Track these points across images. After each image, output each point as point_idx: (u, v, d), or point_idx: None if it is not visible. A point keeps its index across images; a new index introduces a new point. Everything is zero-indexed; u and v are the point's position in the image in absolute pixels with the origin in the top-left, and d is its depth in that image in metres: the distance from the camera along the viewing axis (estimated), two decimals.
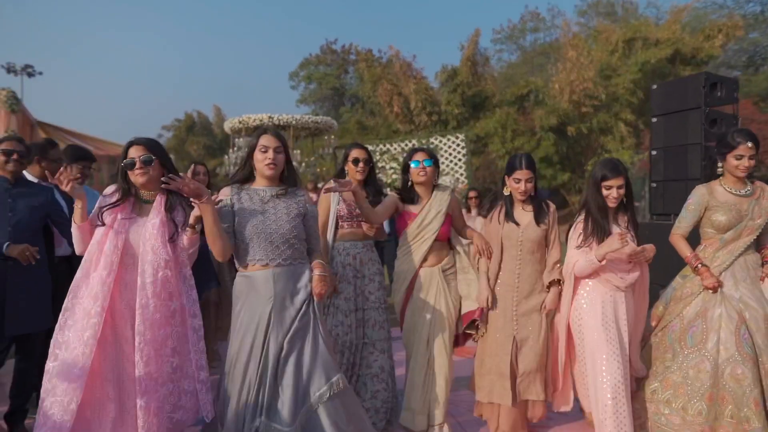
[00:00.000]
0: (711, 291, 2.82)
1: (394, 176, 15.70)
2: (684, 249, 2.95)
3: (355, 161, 3.18)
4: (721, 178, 2.93)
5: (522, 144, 19.85)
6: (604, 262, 2.69)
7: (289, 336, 2.33)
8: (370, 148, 13.37)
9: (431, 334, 2.99)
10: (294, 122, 16.44)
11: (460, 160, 14.62)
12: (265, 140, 2.43)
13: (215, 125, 34.40)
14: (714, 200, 2.87)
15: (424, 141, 15.27)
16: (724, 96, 4.65)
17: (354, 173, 3.18)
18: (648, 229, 4.99)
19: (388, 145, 16.11)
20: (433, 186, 3.13)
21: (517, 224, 2.95)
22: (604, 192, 2.81)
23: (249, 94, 72.35)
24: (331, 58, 34.67)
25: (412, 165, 3.07)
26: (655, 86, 5.17)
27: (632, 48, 19.86)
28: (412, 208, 3.09)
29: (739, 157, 2.80)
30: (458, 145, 14.79)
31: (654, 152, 5.05)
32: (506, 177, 2.97)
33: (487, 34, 37.25)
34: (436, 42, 65.67)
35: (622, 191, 2.76)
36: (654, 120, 5.06)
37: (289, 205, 2.45)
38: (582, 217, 2.88)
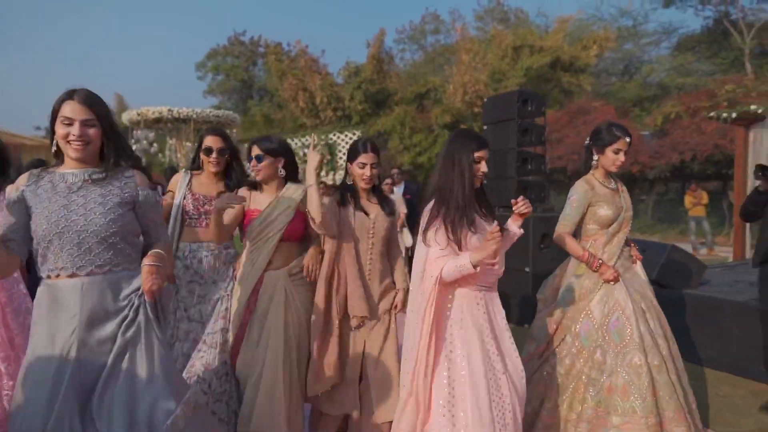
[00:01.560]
0: (612, 284, 2.72)
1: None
2: (576, 247, 2.78)
3: (208, 151, 2.88)
4: (593, 172, 2.87)
5: (419, 140, 21.04)
6: (479, 269, 2.12)
7: (110, 361, 1.77)
8: None
9: (274, 348, 2.54)
10: (195, 116, 16.46)
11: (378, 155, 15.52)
12: (69, 110, 1.80)
13: (117, 115, 33.03)
14: (596, 195, 2.79)
15: (323, 137, 15.91)
16: (534, 110, 5.70)
17: (207, 164, 2.91)
18: None
19: (289, 140, 16.59)
20: (284, 180, 2.76)
21: (367, 214, 2.67)
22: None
23: (153, 84, 69.37)
24: (239, 50, 34.34)
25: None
26: (485, 99, 6.15)
27: (520, 54, 21.56)
28: (259, 204, 2.72)
29: (617, 151, 2.76)
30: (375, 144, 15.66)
31: None
32: (349, 164, 2.69)
33: (391, 33, 38.49)
34: (344, 38, 66.46)
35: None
36: (485, 127, 6.05)
37: (106, 192, 1.86)
38: (435, 206, 2.26)
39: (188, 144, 16.99)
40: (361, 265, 2.66)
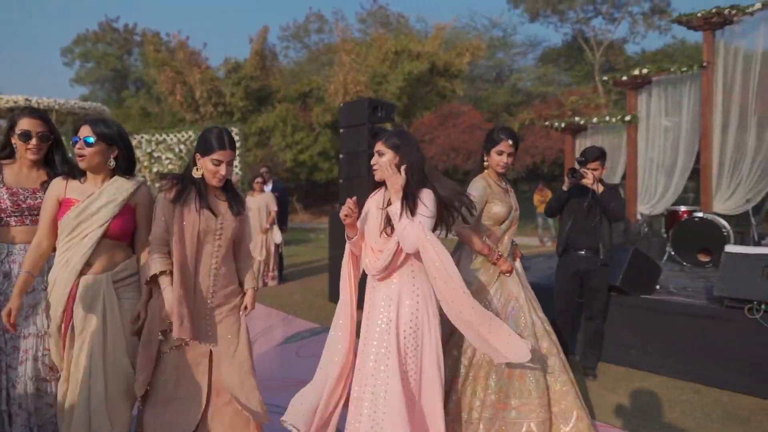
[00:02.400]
0: (507, 276, 2.87)
1: (170, 167, 15.89)
2: (478, 241, 2.86)
3: (25, 136, 2.45)
4: (487, 171, 2.98)
5: (301, 138, 21.34)
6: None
7: None
8: (145, 137, 13.40)
9: (91, 367, 2.23)
10: (57, 107, 15.47)
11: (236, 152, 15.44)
12: None
13: None
14: (492, 192, 2.90)
15: (199, 133, 15.66)
16: (384, 116, 6.32)
17: (25, 151, 2.49)
18: (338, 216, 6.53)
19: (164, 135, 16.12)
20: (113, 173, 2.40)
21: (215, 214, 2.41)
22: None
23: (8, 69, 62.70)
24: (111, 37, 32.30)
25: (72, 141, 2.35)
26: (342, 105, 6.68)
27: (400, 59, 22.59)
28: (75, 193, 2.35)
29: (500, 153, 2.88)
30: (233, 138, 15.57)
31: (342, 156, 6.57)
32: (198, 156, 2.37)
33: (275, 31, 38.27)
34: (227, 33, 64.55)
35: None
36: (342, 131, 6.58)
37: None
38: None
39: None
40: (198, 273, 2.37)
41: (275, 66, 25.14)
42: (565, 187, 3.72)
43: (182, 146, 15.77)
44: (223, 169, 2.36)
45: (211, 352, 2.38)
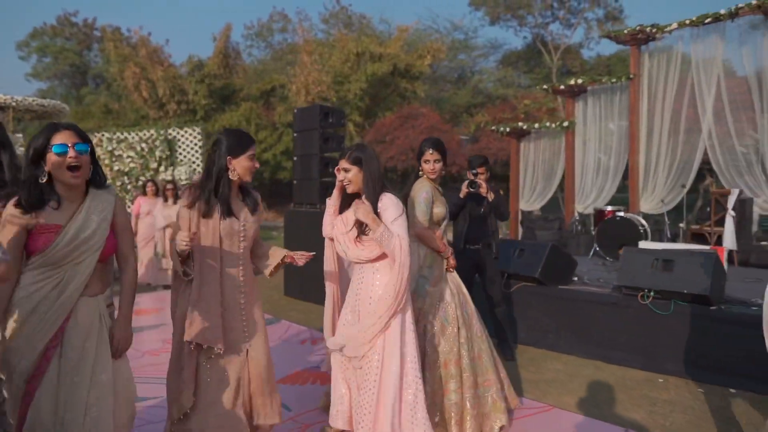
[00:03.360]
0: (452, 270, 3.19)
1: (131, 165, 15.94)
2: (435, 239, 3.08)
3: None
4: (423, 178, 3.22)
5: (265, 137, 21.54)
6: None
7: None
8: (106, 135, 13.43)
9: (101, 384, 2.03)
10: (14, 104, 15.33)
11: (197, 152, 15.53)
12: None
13: None
14: (435, 194, 3.16)
15: (162, 132, 15.77)
16: (334, 122, 6.76)
17: None
18: (292, 215, 6.95)
19: (126, 134, 16.14)
20: (87, 183, 2.08)
21: (237, 217, 2.41)
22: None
23: None
24: (70, 32, 31.68)
25: (54, 151, 1.94)
26: (296, 110, 7.09)
27: (362, 60, 22.98)
28: (53, 217, 1.99)
29: (427, 161, 3.18)
30: (195, 137, 15.71)
31: (295, 158, 6.98)
32: (231, 158, 2.34)
33: (239, 29, 38.14)
34: (189, 30, 63.55)
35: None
36: (295, 135, 6.99)
37: None
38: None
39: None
40: (226, 276, 2.40)
41: (239, 64, 25.22)
42: (461, 195, 4.03)
43: (144, 144, 15.82)
44: (256, 162, 2.44)
45: (247, 350, 2.45)
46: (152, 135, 15.59)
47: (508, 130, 9.79)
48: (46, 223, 1.97)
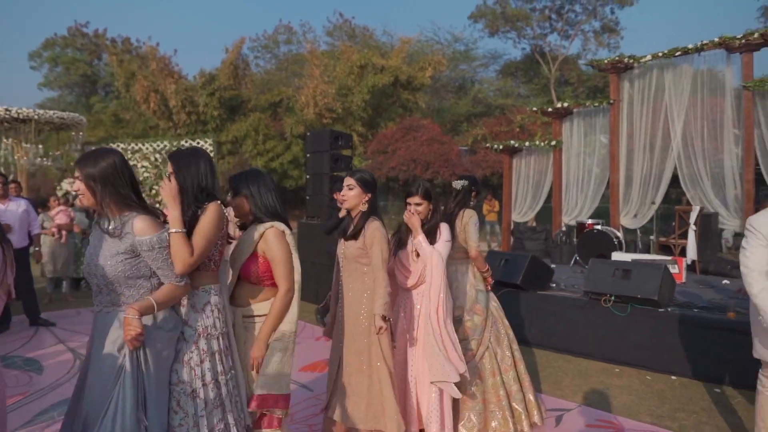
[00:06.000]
0: (489, 289, 3.60)
1: (145, 175, 16.77)
2: (483, 262, 3.53)
3: None
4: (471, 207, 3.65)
5: (273, 146, 22.43)
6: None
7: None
8: (121, 146, 14.32)
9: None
10: (37, 117, 16.19)
11: None
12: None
13: None
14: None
15: (175, 143, 16.60)
16: (343, 144, 7.61)
17: None
18: (304, 228, 7.78)
19: (140, 145, 16.99)
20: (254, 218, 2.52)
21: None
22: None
23: None
24: (81, 42, 32.65)
25: None
26: (309, 133, 7.92)
27: (365, 72, 23.87)
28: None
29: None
30: (206, 148, 16.58)
31: (308, 177, 7.82)
32: (371, 195, 2.91)
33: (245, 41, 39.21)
34: (197, 40, 64.73)
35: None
36: (308, 155, 7.83)
37: (113, 241, 2.03)
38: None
39: (27, 145, 16.66)
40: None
41: (247, 75, 26.12)
42: (340, 215, 4.12)
43: (158, 155, 16.64)
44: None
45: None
46: (165, 146, 16.43)
47: (501, 147, 10.62)
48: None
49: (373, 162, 19.88)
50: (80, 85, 33.54)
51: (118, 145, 16.77)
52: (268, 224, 2.44)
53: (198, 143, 16.69)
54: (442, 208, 3.43)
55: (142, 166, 16.70)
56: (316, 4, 61.62)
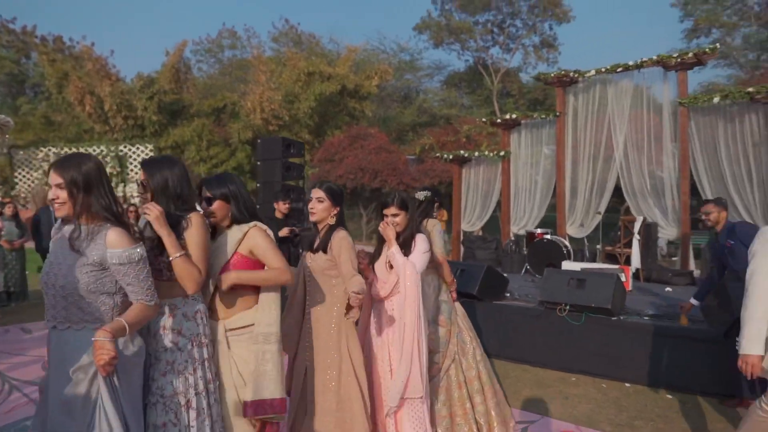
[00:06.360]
0: (455, 299, 3.63)
1: None
2: (450, 272, 3.54)
3: None
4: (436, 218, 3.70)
5: (217, 153, 21.78)
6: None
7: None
8: (53, 150, 13.52)
9: None
10: None
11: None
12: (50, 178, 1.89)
13: None
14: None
15: (113, 148, 15.84)
16: (295, 152, 7.44)
17: None
18: None
19: (74, 149, 16.11)
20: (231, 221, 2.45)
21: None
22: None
23: None
24: (7, 39, 30.65)
25: None
26: (259, 140, 7.71)
27: (312, 79, 23.62)
28: None
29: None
30: (147, 154, 15.89)
31: (258, 185, 7.59)
32: (339, 208, 2.91)
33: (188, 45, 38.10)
34: (135, 42, 62.22)
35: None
36: (258, 163, 7.60)
37: (81, 248, 1.87)
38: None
39: None
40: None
41: (189, 80, 25.30)
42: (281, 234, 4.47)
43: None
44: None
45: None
46: (102, 151, 15.62)
47: (451, 157, 10.72)
48: None
49: (320, 170, 19.66)
50: (6, 84, 31.42)
51: (49, 149, 15.85)
52: (251, 224, 2.42)
53: (138, 148, 15.98)
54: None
55: None
56: (261, 9, 60.85)
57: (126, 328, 1.81)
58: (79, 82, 21.26)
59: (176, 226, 2.14)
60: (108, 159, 15.75)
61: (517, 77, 33.75)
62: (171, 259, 2.08)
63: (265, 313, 2.36)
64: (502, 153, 10.03)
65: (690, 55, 7.88)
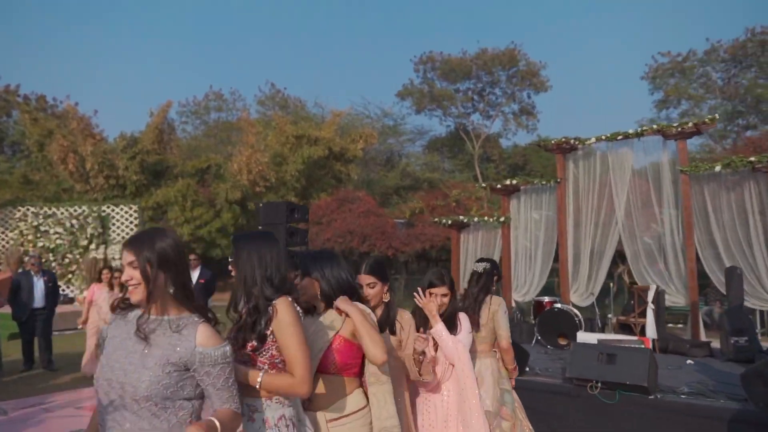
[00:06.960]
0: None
1: (58, 242, 15.23)
2: (513, 359, 3.41)
3: None
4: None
5: (201, 213, 21.41)
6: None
7: None
8: (31, 210, 12.89)
9: None
10: None
11: (132, 230, 15.21)
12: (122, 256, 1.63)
13: None
14: None
15: (95, 208, 15.36)
16: (299, 217, 7.18)
17: None
18: None
19: (54, 209, 15.58)
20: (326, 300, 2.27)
21: None
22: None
23: None
24: None
25: None
26: (261, 204, 7.46)
27: (300, 142, 23.76)
28: None
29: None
30: (131, 215, 15.43)
31: None
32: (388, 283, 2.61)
33: (173, 106, 38.48)
34: (121, 102, 62.59)
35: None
36: (260, 228, 7.31)
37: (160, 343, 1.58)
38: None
39: None
40: None
41: (173, 140, 25.24)
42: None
43: (74, 221, 15.20)
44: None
45: None
46: (84, 211, 15.09)
47: (450, 222, 10.60)
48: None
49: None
50: None
51: (28, 209, 15.27)
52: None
53: (121, 209, 15.52)
54: (462, 293, 3.15)
55: (56, 233, 15.20)
56: (248, 73, 62.11)
57: (218, 429, 1.48)
58: (63, 141, 20.97)
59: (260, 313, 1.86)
60: (89, 220, 15.21)
61: (497, 142, 34.61)
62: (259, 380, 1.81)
63: (382, 408, 2.15)
64: (502, 219, 9.94)
65: (690, 124, 8.03)
